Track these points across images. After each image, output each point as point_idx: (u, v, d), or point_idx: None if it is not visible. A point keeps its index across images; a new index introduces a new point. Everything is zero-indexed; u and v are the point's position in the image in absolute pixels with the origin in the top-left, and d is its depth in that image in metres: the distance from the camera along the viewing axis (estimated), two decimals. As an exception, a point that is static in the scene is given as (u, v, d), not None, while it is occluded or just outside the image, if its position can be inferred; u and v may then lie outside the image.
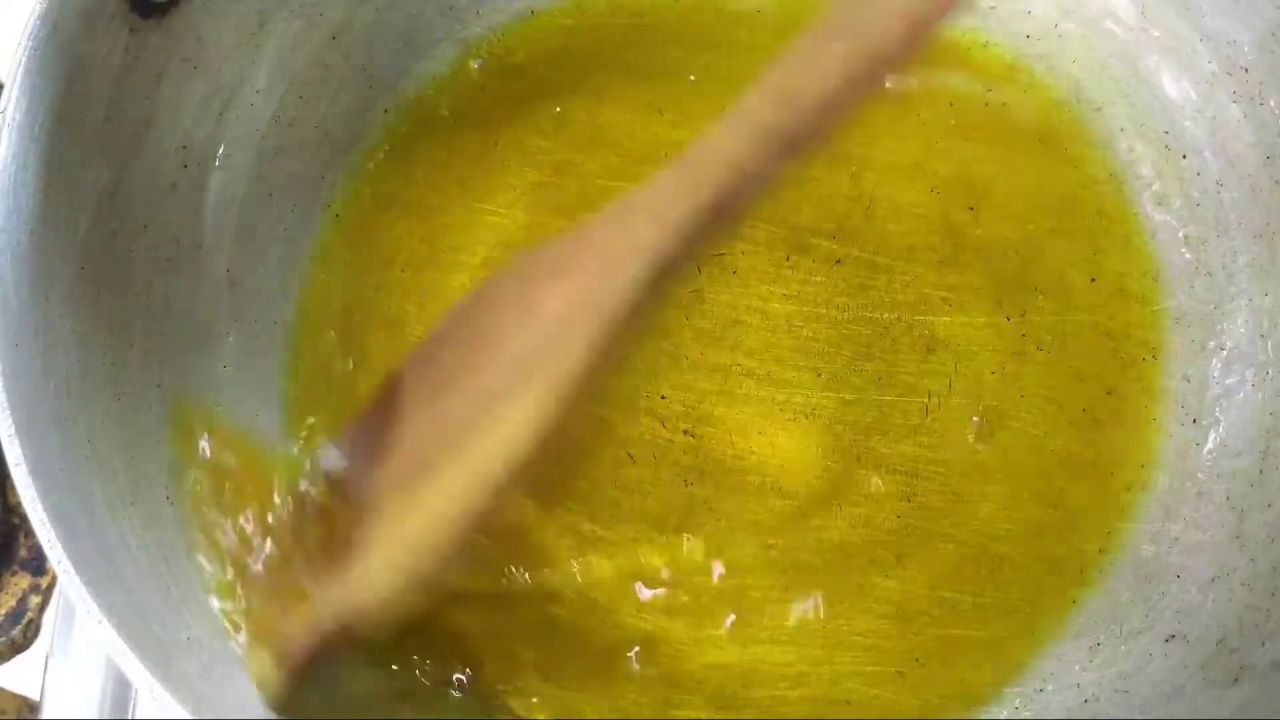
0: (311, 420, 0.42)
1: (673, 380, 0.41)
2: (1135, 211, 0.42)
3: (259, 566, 0.34)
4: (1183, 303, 0.41)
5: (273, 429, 0.42)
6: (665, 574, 0.40)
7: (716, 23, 0.44)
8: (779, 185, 0.28)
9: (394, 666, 0.37)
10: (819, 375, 0.41)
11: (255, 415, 0.41)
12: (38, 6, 0.34)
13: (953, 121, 0.42)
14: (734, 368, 0.41)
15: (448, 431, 0.30)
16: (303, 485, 0.35)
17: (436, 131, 0.45)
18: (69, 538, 0.32)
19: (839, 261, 0.42)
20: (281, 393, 0.42)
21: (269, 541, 0.35)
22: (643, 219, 0.27)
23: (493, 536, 0.40)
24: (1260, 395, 0.39)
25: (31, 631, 0.45)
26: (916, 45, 0.25)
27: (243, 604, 0.34)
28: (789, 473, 0.40)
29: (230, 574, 0.34)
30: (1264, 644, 0.35)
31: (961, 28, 0.43)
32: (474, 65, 0.45)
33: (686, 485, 0.41)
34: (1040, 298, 0.41)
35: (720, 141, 0.27)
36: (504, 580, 0.40)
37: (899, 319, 0.41)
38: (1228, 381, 0.40)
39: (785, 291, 0.42)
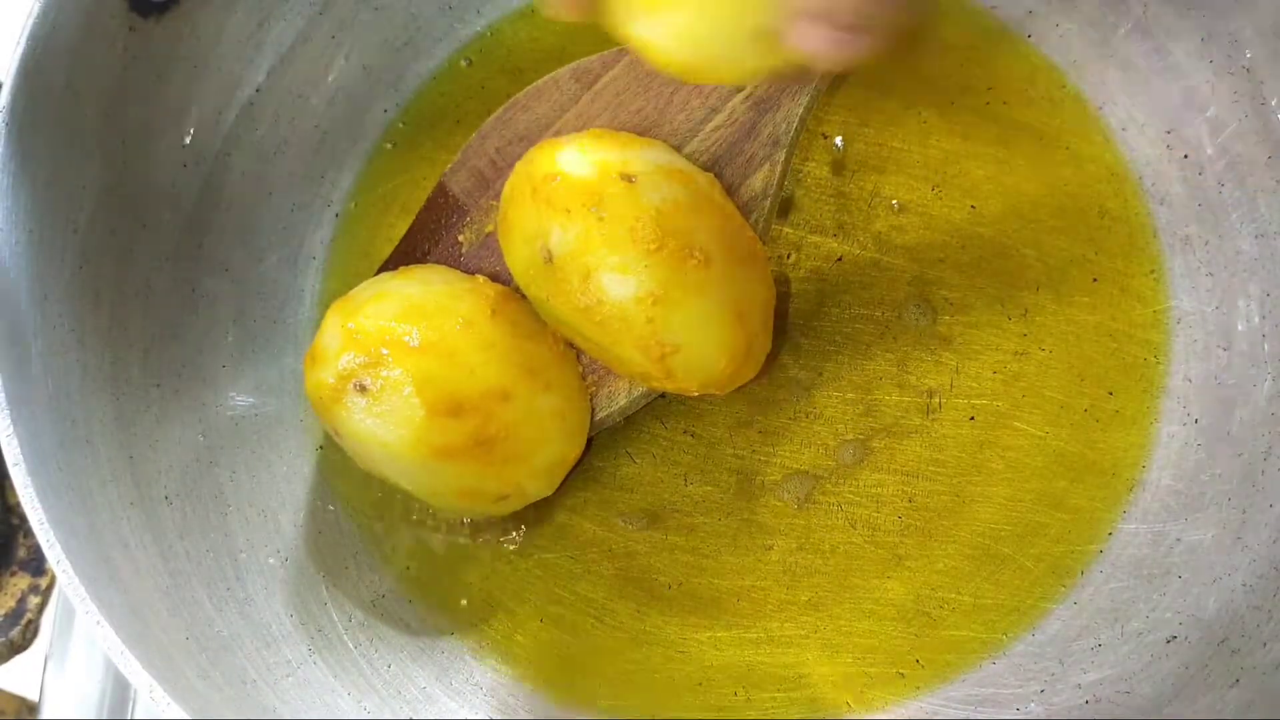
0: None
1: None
2: (1137, 211, 0.42)
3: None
4: (1184, 303, 0.41)
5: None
6: (665, 574, 0.40)
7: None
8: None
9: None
10: (820, 374, 0.41)
11: (255, 413, 0.42)
12: (37, 6, 0.34)
13: (954, 121, 0.42)
14: (734, 368, 0.41)
15: None
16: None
17: (436, 131, 0.45)
18: (68, 538, 0.32)
19: (840, 260, 0.42)
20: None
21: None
22: None
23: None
24: (1261, 395, 0.39)
25: (30, 632, 0.45)
26: None
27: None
28: (790, 472, 0.40)
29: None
30: (1265, 645, 0.35)
31: (963, 26, 0.43)
32: (473, 64, 0.45)
33: (686, 484, 0.41)
34: (1042, 297, 0.41)
35: None
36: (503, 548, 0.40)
37: (900, 318, 0.41)
38: (1230, 382, 0.40)
39: (786, 290, 0.41)
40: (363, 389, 0.35)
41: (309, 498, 0.41)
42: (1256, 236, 0.40)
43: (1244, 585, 0.36)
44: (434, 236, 0.41)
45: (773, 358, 0.41)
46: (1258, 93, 0.39)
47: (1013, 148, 0.42)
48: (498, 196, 0.40)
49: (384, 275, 0.39)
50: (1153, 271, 0.41)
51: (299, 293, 0.43)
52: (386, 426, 0.35)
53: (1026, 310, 0.41)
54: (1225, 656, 0.35)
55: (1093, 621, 0.38)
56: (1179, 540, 0.38)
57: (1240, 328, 0.40)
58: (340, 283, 0.43)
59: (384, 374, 0.35)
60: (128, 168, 0.38)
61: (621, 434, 0.41)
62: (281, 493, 0.41)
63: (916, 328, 0.41)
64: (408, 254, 0.41)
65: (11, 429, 0.32)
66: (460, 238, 0.40)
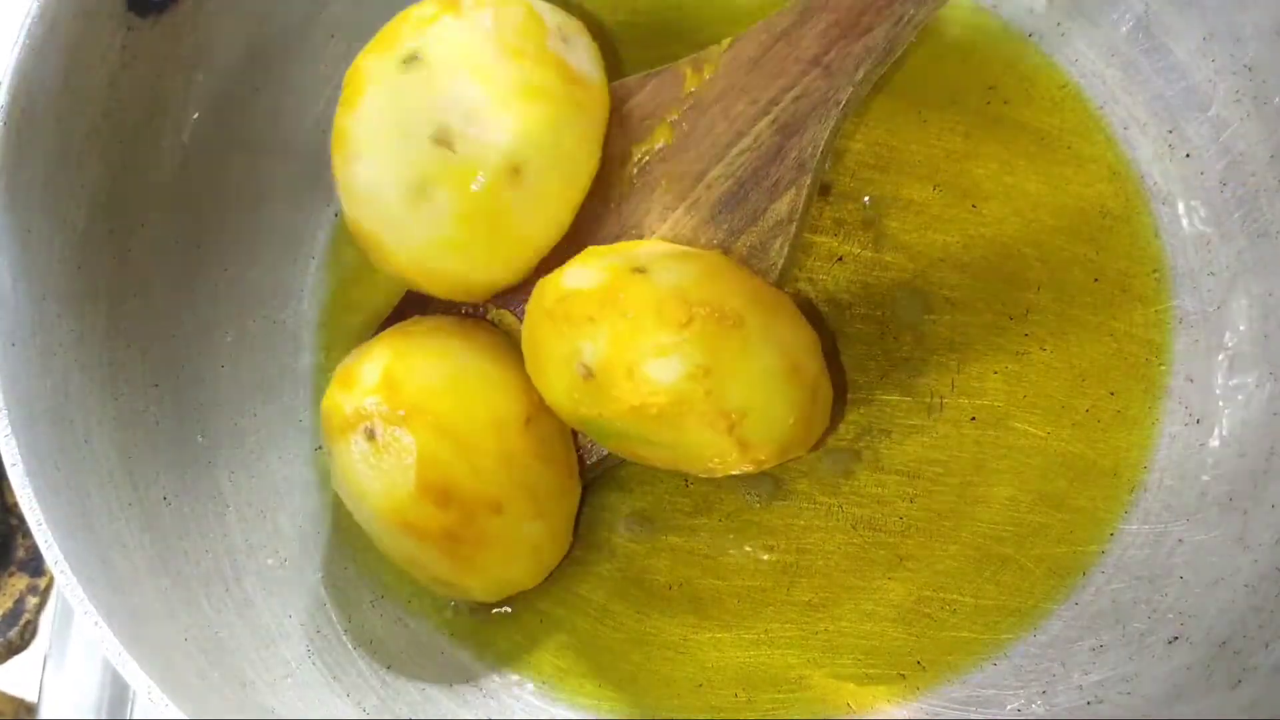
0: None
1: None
2: (1138, 211, 0.42)
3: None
4: (1186, 303, 0.41)
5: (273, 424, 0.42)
6: (665, 574, 0.40)
7: (717, 19, 0.44)
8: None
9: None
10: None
11: (254, 413, 0.41)
12: (36, 6, 0.34)
13: (954, 120, 0.42)
14: (735, 368, 0.41)
15: None
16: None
17: (436, 131, 0.44)
18: (66, 538, 0.32)
19: (840, 259, 0.42)
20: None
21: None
22: None
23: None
24: (1264, 395, 0.39)
25: (29, 632, 0.45)
26: None
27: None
28: (790, 472, 0.40)
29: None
30: (1267, 646, 0.35)
31: (963, 26, 0.43)
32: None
33: (686, 485, 0.40)
34: (1043, 297, 0.41)
35: None
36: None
37: (899, 317, 0.41)
38: (1231, 382, 0.39)
39: (787, 289, 0.41)
40: (370, 435, 0.34)
41: (308, 498, 0.41)
42: (1258, 236, 0.40)
43: (1246, 586, 0.36)
44: None
45: (838, 404, 0.40)
46: (1260, 92, 0.39)
47: (1014, 147, 0.42)
48: None
49: (448, 321, 0.38)
50: (1154, 271, 0.41)
51: (299, 292, 0.43)
52: (373, 480, 0.35)
53: (1027, 310, 0.41)
54: (1227, 658, 0.35)
55: (1094, 622, 0.38)
56: (1181, 541, 0.38)
57: (1242, 328, 0.40)
58: (340, 283, 0.43)
59: (396, 434, 0.34)
60: (127, 168, 0.38)
61: (621, 434, 0.41)
62: (280, 493, 0.41)
63: (917, 327, 0.41)
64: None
65: (10, 429, 0.32)
66: None
